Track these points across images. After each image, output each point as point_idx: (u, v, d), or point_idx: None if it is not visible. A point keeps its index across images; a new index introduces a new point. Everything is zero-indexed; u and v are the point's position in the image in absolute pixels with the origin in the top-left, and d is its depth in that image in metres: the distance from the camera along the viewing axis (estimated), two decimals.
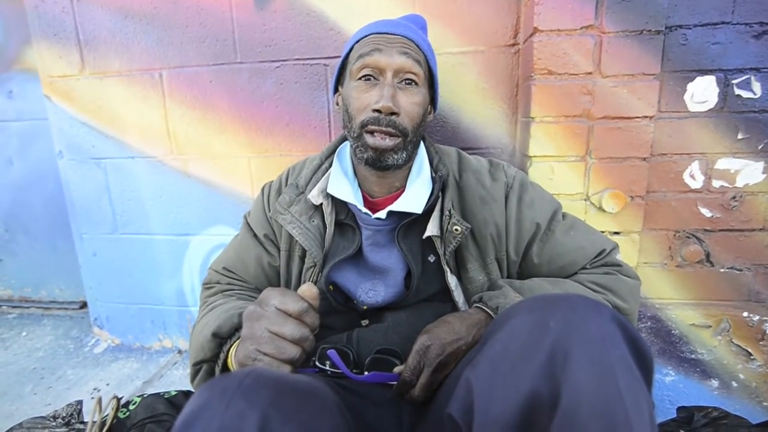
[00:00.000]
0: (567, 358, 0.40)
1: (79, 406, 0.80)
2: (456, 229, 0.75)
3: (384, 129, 0.71)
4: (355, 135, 0.75)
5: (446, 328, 0.70)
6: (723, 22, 0.92)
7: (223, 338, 0.68)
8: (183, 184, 1.35)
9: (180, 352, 1.53)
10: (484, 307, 0.72)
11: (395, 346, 0.76)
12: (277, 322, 0.56)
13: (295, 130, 1.25)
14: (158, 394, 0.88)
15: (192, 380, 0.74)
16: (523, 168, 1.02)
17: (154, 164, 1.36)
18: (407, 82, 0.74)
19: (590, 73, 0.94)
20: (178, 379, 1.39)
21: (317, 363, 0.74)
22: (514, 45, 1.10)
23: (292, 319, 0.56)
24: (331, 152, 0.87)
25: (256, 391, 0.40)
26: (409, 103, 0.74)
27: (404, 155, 0.75)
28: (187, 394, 0.92)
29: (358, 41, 0.79)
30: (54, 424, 0.75)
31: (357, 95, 0.75)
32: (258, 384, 0.41)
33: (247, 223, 0.91)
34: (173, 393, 0.90)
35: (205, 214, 1.37)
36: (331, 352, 0.72)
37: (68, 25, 1.30)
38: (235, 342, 0.66)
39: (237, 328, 0.68)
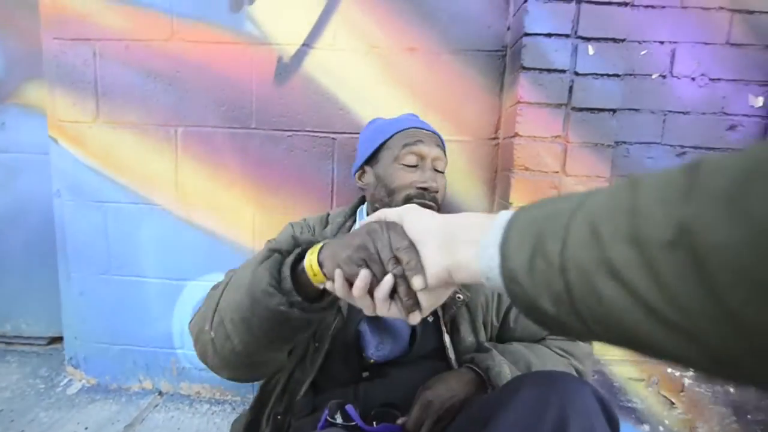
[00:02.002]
0: (566, 428, 0.56)
1: None
2: (458, 297, 0.92)
3: (428, 202, 0.89)
4: (396, 206, 0.90)
5: (444, 386, 0.85)
6: (655, 142, 1.20)
7: (299, 242, 0.65)
8: (185, 232, 1.43)
9: (161, 394, 1.54)
10: (475, 368, 0.88)
11: (397, 400, 0.89)
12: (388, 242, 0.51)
13: (299, 193, 1.38)
14: None
15: (257, 265, 0.62)
16: None
17: (157, 211, 1.43)
18: (438, 169, 0.94)
19: (557, 172, 1.17)
20: (162, 422, 1.41)
21: (328, 418, 0.85)
22: (494, 139, 1.32)
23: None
24: (353, 212, 1.03)
25: None
26: (441, 184, 0.94)
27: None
28: None
29: (399, 132, 0.96)
30: None
31: (403, 175, 0.91)
32: None
33: (275, 245, 0.91)
34: None
35: (204, 261, 1.44)
36: (349, 408, 0.84)
37: (88, 77, 1.37)
38: (316, 245, 0.60)
39: (313, 242, 0.64)
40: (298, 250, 0.63)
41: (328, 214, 1.06)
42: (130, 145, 1.40)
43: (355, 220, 1.00)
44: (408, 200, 0.90)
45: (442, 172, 0.95)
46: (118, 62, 1.36)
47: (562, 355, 0.95)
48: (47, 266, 1.64)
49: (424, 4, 1.28)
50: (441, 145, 0.97)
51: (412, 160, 0.92)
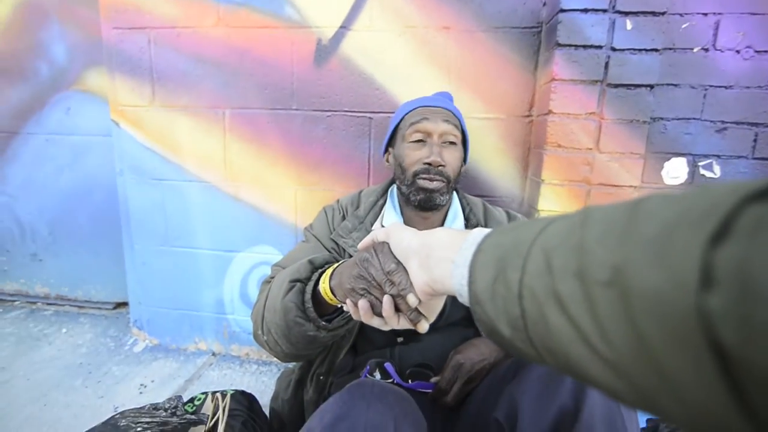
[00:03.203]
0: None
1: (180, 400, 0.98)
2: None
3: (433, 176, 0.95)
4: (409, 182, 0.98)
5: (475, 350, 0.92)
6: (694, 118, 1.18)
7: (315, 266, 0.76)
8: (233, 207, 1.55)
9: (214, 354, 1.70)
10: None
11: (429, 362, 0.97)
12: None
13: (338, 170, 1.46)
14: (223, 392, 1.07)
15: (284, 296, 0.73)
16: (531, 218, 1.26)
17: (209, 188, 1.55)
18: (449, 142, 0.98)
19: (590, 149, 1.19)
20: (216, 379, 1.57)
21: (367, 374, 0.94)
22: (528, 116, 1.34)
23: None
24: (384, 191, 1.09)
25: (386, 397, 0.61)
26: (451, 157, 0.98)
27: (446, 197, 0.98)
28: (243, 393, 1.11)
29: (408, 113, 1.02)
30: (160, 413, 0.93)
31: (410, 153, 0.98)
32: (385, 391, 0.62)
33: (313, 235, 1.03)
34: (232, 391, 1.09)
35: (251, 234, 1.56)
36: (388, 365, 0.93)
37: (144, 63, 1.49)
38: (329, 269, 0.71)
39: (328, 261, 0.77)
40: (313, 282, 0.72)
41: (361, 192, 1.13)
42: (183, 127, 1.51)
43: (385, 200, 1.07)
44: (415, 176, 0.96)
45: (455, 144, 0.99)
46: (170, 49, 1.46)
47: None
48: (113, 238, 1.82)
49: None
50: (453, 119, 1.00)
51: (417, 137, 0.97)
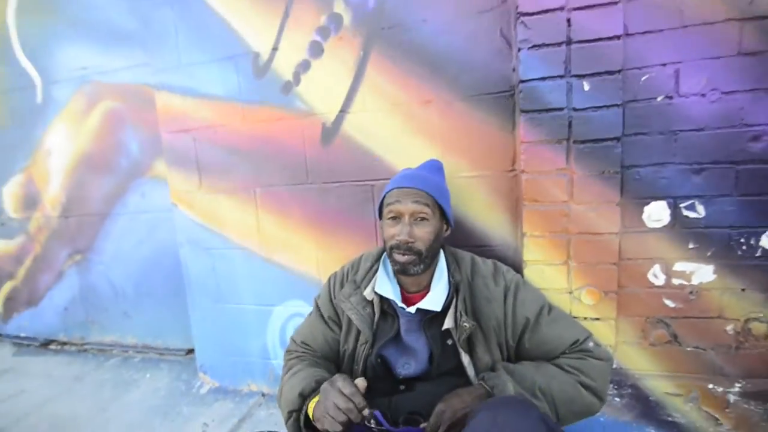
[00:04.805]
0: None
1: None
2: (465, 325, 1.09)
3: (404, 251, 1.09)
4: (388, 254, 1.15)
5: (458, 399, 1.04)
6: (668, 162, 1.21)
7: (305, 396, 1.05)
8: (267, 269, 1.82)
9: (263, 395, 1.95)
10: (485, 384, 1.05)
11: (422, 409, 1.10)
12: (337, 398, 0.93)
13: (350, 232, 1.67)
14: None
15: (286, 423, 1.09)
16: (520, 267, 1.35)
17: (248, 254, 1.84)
18: (421, 219, 1.11)
19: (566, 201, 1.26)
20: (264, 417, 1.81)
21: (365, 423, 1.10)
22: (512, 171, 1.44)
23: (345, 397, 0.93)
24: (378, 257, 1.26)
25: None
26: (422, 232, 1.09)
27: (421, 266, 1.11)
28: None
29: (387, 193, 1.18)
30: None
31: (387, 229, 1.14)
32: None
33: (317, 306, 1.28)
34: None
35: (284, 290, 1.81)
36: (377, 413, 1.08)
37: (191, 156, 1.84)
38: (312, 399, 1.02)
39: (314, 389, 1.05)
40: (303, 414, 1.04)
41: (362, 256, 1.31)
42: (224, 205, 1.83)
43: (378, 266, 1.23)
44: (391, 249, 1.12)
45: (427, 219, 1.10)
46: (210, 144, 1.80)
47: (570, 372, 1.07)
48: (181, 296, 2.18)
49: (435, 59, 1.46)
50: (424, 197, 1.11)
51: (392, 215, 1.13)
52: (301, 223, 1.73)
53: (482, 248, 1.50)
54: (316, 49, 1.60)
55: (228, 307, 1.93)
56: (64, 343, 2.67)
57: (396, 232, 1.11)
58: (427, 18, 1.45)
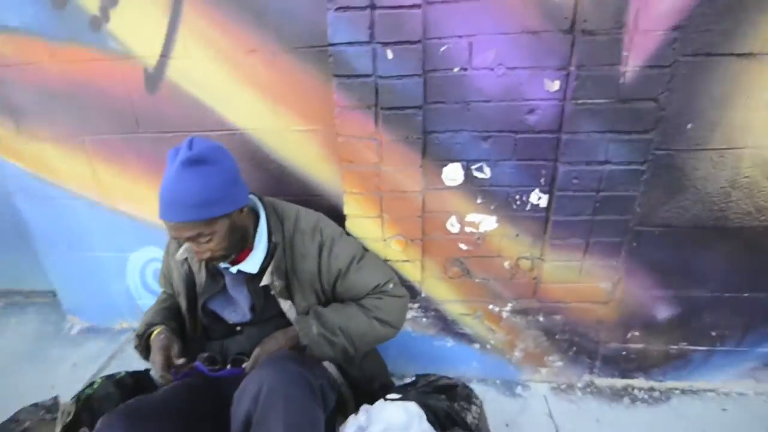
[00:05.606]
0: (267, 394, 0.94)
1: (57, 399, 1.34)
2: (276, 284, 1.25)
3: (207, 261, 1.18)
4: None
5: (273, 341, 1.23)
6: (462, 129, 1.34)
7: (140, 336, 1.28)
8: (115, 218, 1.80)
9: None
10: (296, 327, 1.25)
11: (249, 350, 1.28)
12: (153, 364, 1.11)
13: None
14: (111, 376, 1.39)
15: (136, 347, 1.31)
16: (343, 220, 1.49)
17: (91, 203, 1.79)
18: (197, 235, 1.07)
19: (377, 163, 1.37)
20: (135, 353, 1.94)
21: (190, 371, 1.25)
22: None
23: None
24: None
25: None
26: (212, 245, 1.10)
27: (233, 255, 1.19)
28: (132, 375, 1.45)
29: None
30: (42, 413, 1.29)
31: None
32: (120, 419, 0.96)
33: (165, 254, 1.43)
34: (122, 374, 1.42)
35: (136, 238, 1.84)
36: (198, 364, 1.24)
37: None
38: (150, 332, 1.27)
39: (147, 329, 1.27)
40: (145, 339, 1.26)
41: None
42: (52, 154, 1.70)
43: None
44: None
45: (203, 234, 1.07)
46: (18, 85, 1.59)
47: (369, 309, 1.28)
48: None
49: (256, 5, 1.37)
50: (187, 224, 1.06)
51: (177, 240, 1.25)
52: (141, 173, 1.69)
53: (315, 197, 1.61)
54: None
55: (83, 255, 1.91)
56: None
57: (190, 253, 1.22)
58: None
